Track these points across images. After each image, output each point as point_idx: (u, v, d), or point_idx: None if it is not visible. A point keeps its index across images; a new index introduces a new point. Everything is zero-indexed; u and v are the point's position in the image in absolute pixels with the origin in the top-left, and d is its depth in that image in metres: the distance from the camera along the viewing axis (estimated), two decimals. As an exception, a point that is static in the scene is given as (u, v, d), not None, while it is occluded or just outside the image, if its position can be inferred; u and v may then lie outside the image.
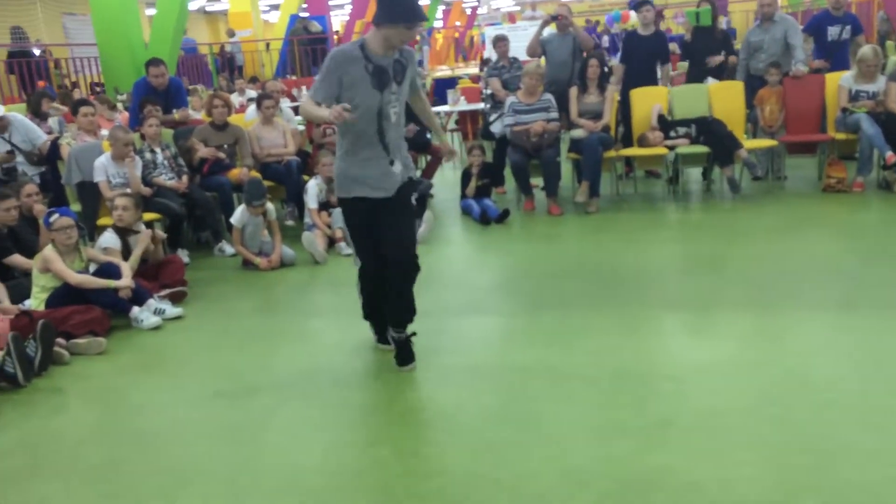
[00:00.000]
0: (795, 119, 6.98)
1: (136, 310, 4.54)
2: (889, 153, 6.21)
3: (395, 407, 3.38)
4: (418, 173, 7.26)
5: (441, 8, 30.32)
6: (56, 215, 4.55)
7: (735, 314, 4.11)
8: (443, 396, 3.45)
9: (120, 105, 9.21)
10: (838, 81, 6.76)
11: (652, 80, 7.30)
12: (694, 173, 7.53)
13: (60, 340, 4.14)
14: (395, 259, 3.58)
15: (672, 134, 6.74)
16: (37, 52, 14.47)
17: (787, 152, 7.16)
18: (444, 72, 17.46)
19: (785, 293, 4.36)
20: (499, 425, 3.11)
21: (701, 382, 3.34)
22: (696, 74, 7.51)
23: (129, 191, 5.42)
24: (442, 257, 5.74)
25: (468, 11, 32.97)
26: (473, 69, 16.92)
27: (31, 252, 4.80)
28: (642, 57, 7.28)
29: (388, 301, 3.70)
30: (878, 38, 12.09)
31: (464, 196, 6.94)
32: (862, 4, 18.22)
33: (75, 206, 5.81)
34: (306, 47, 16.05)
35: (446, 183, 8.27)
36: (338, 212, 5.98)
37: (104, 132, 6.66)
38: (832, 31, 7.45)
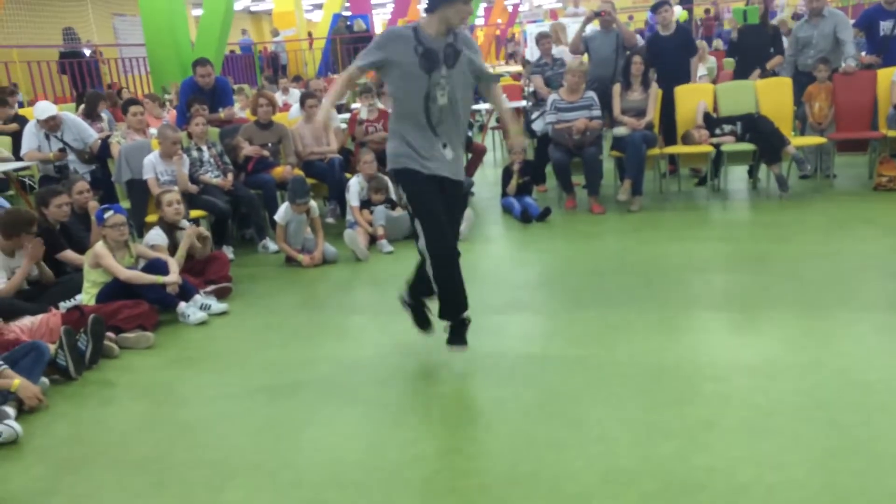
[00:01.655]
0: (845, 116, 6.81)
1: (182, 305, 4.64)
2: (944, 151, 6.04)
3: (435, 404, 3.39)
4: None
5: (483, 5, 30.28)
6: (110, 212, 4.67)
7: (781, 314, 4.04)
8: (484, 394, 3.45)
9: (168, 104, 9.41)
10: (891, 77, 6.57)
11: (685, 78, 7.15)
12: (739, 171, 7.40)
13: (110, 334, 4.25)
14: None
15: (717, 131, 6.63)
16: (87, 52, 14.84)
17: (836, 150, 7.00)
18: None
19: (834, 293, 4.26)
20: (540, 423, 3.10)
21: (746, 383, 3.29)
22: (743, 71, 7.38)
23: (175, 188, 5.53)
24: (483, 255, 5.74)
25: (510, 9, 32.85)
26: (514, 67, 16.86)
27: (82, 248, 4.93)
28: (670, 56, 7.10)
29: (445, 295, 3.57)
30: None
31: (504, 194, 6.93)
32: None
33: (125, 203, 5.95)
34: (349, 46, 16.18)
35: (487, 181, 8.27)
36: (380, 209, 6.02)
37: (153, 131, 6.81)
38: (885, 26, 7.25)
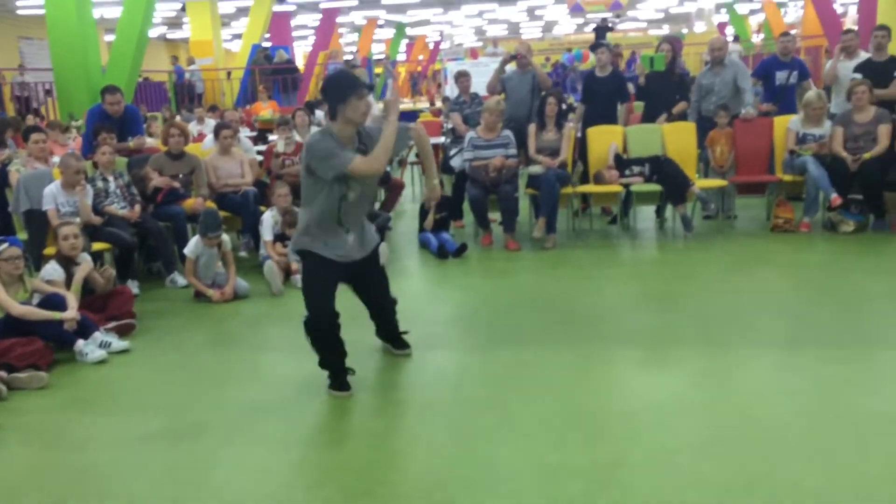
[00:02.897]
0: (745, 160, 7.17)
1: (80, 343, 4.42)
2: (834, 195, 6.41)
3: (345, 445, 3.33)
4: (377, 206, 7.26)
5: (405, 42, 30.68)
6: (5, 244, 4.43)
7: (687, 351, 4.17)
8: (395, 434, 3.41)
9: (74, 130, 9.07)
10: (786, 124, 6.97)
11: (612, 119, 7.47)
12: (647, 211, 7.66)
13: (0, 374, 4.00)
14: (388, 309, 4.21)
15: (627, 172, 6.86)
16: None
17: (737, 192, 7.34)
18: (405, 105, 17.58)
19: (735, 331, 4.43)
20: (451, 463, 3.08)
21: (652, 420, 3.36)
22: (651, 115, 7.69)
23: (77, 220, 5.31)
24: (399, 290, 5.68)
25: (431, 46, 33.40)
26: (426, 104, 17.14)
27: (-28, 281, 4.65)
28: (602, 97, 7.43)
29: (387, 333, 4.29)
30: (824, 84, 12.54)
31: (422, 229, 6.95)
32: (810, 49, 18.93)
33: (22, 235, 5.66)
34: (269, 77, 16.04)
35: (404, 216, 8.28)
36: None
37: (55, 159, 6.54)
38: (780, 76, 7.71)
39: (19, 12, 17.40)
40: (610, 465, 3.01)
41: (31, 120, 11.38)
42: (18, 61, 17.44)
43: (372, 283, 4.07)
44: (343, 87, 3.54)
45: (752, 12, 28.07)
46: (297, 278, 5.78)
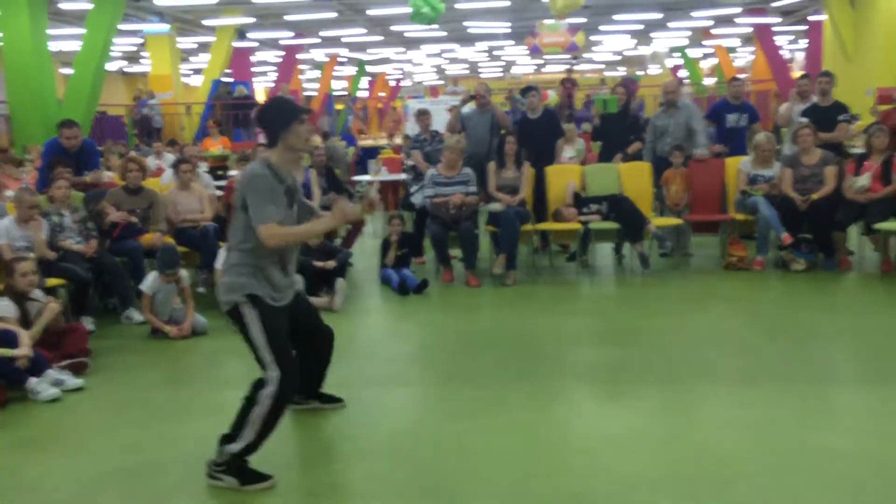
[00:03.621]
0: (699, 199, 7.36)
1: (32, 381, 4.30)
2: (784, 234, 6.61)
3: (304, 482, 3.29)
4: (338, 242, 7.26)
5: (367, 79, 30.92)
6: (-47, 280, 4.32)
7: (645, 386, 4.23)
8: (356, 471, 3.39)
9: (28, 164, 8.92)
10: (738, 165, 7.19)
11: (551, 158, 7.54)
12: (606, 248, 7.80)
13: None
14: (328, 334, 3.77)
15: (585, 210, 6.98)
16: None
17: (691, 231, 7.52)
18: (366, 141, 17.67)
19: (691, 366, 4.52)
20: (411, 501, 3.07)
21: (611, 455, 3.40)
22: (607, 155, 7.88)
23: (31, 255, 5.20)
24: (360, 327, 5.71)
25: (392, 83, 33.72)
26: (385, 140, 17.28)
27: (-80, 318, 4.52)
28: (537, 139, 7.47)
29: (319, 371, 3.86)
30: (773, 127, 12.99)
31: (383, 265, 6.96)
32: (759, 94, 19.61)
33: (-27, 270, 5.52)
34: (229, 112, 16.00)
35: (365, 252, 8.29)
36: None
37: (9, 193, 6.41)
38: (731, 118, 7.97)
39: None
40: (570, 499, 3.02)
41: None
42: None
43: (305, 312, 3.66)
44: (284, 112, 3.27)
45: (705, 56, 29.01)
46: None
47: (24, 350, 4.34)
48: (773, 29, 19.85)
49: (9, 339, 4.37)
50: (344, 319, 5.80)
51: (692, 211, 7.36)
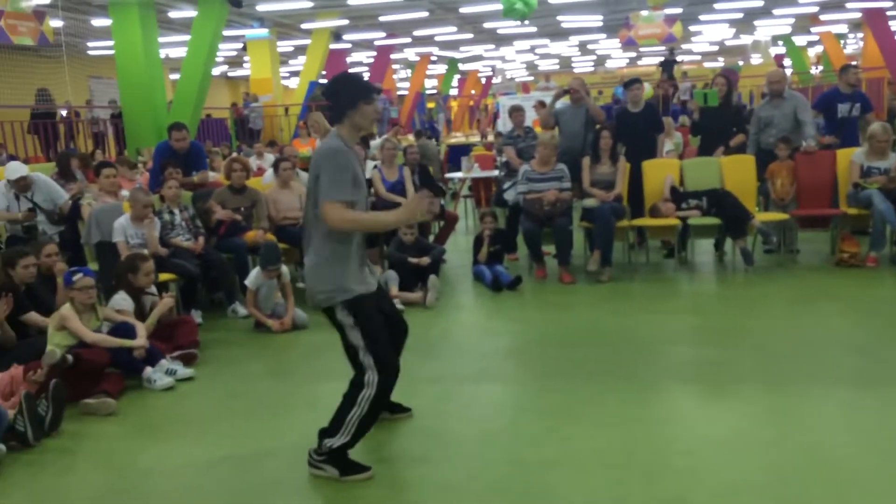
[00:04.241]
0: (807, 193, 7.03)
1: (148, 370, 4.56)
2: (901, 229, 6.24)
3: (403, 475, 3.34)
4: (431, 238, 7.34)
5: (457, 77, 31.07)
6: (79, 274, 4.62)
7: (749, 388, 4.07)
8: (452, 467, 3.40)
9: (140, 166, 9.42)
10: (850, 157, 6.83)
11: (652, 153, 7.36)
12: (706, 244, 7.56)
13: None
14: (405, 325, 3.66)
15: (683, 205, 6.79)
16: (63, 112, 14.89)
17: (798, 226, 7.19)
18: (458, 139, 17.76)
19: (799, 367, 4.32)
20: (508, 498, 3.07)
21: (714, 458, 3.29)
22: (707, 149, 7.62)
23: (146, 251, 5.49)
24: (453, 323, 5.75)
25: (483, 81, 33.74)
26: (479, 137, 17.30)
27: (46, 310, 4.84)
28: (637, 132, 7.30)
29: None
30: (888, 116, 12.25)
31: (476, 262, 6.98)
32: (872, 82, 18.54)
33: (93, 265, 5.88)
34: (325, 112, 16.41)
35: (458, 249, 8.33)
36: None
37: (125, 193, 6.79)
38: (842, 109, 7.57)
39: (90, 52, 18.25)
40: (672, 502, 2.95)
41: (100, 156, 11.87)
42: (88, 97, 18.24)
43: (385, 297, 3.62)
44: (353, 90, 3.19)
45: (810, 44, 27.65)
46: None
47: (141, 341, 4.60)
48: (888, 14, 18.69)
49: (128, 331, 4.64)
50: (437, 316, 5.86)
51: (799, 205, 7.04)
